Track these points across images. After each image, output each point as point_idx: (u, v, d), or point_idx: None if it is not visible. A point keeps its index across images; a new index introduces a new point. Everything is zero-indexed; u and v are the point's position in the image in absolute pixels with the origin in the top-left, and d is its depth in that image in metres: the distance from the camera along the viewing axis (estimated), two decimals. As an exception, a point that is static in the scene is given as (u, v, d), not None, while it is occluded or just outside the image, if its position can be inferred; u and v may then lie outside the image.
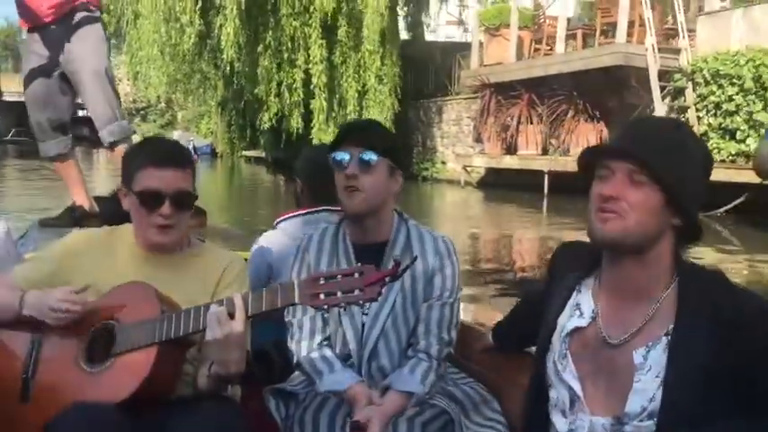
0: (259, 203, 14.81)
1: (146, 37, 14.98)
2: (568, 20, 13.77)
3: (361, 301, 1.38)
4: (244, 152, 24.17)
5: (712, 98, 10.99)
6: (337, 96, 15.66)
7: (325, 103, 15.47)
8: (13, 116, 39.79)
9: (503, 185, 14.50)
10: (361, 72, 15.38)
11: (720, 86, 10.85)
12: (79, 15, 3.27)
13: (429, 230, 1.83)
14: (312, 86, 14.93)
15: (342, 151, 1.69)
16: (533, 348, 1.50)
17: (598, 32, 12.41)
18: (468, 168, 15.71)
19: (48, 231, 3.02)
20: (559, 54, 13.02)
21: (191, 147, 30.71)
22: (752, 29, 10.82)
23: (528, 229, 10.92)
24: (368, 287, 1.35)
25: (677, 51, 11.61)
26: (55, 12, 3.26)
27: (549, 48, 13.50)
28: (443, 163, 17.35)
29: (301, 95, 15.22)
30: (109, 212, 2.03)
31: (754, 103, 10.34)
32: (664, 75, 11.66)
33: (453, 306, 1.78)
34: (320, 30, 14.95)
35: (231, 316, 1.44)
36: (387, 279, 1.38)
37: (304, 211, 2.16)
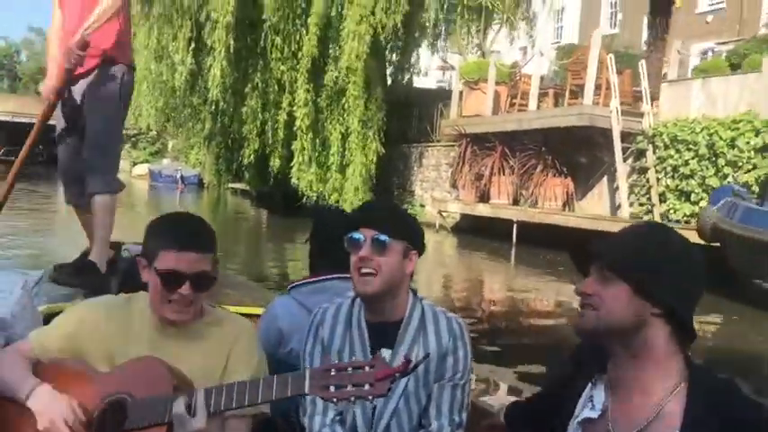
0: (240, 238, 15.25)
1: (138, 72, 15.51)
2: (542, 78, 14.46)
3: (370, 396, 1.39)
4: (230, 184, 24.63)
5: (670, 161, 11.63)
6: (321, 138, 16.18)
7: (308, 145, 15.99)
8: (4, 135, 40.15)
9: (475, 231, 15.02)
10: (345, 116, 15.93)
11: (678, 151, 11.49)
12: (104, 70, 3.27)
13: (443, 311, 1.84)
14: (295, 128, 15.45)
15: (357, 232, 1.71)
16: None
17: (567, 93, 13.09)
18: (444, 213, 16.22)
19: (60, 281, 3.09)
20: (532, 111, 13.67)
21: (178, 176, 31.30)
22: (709, 100, 11.52)
23: (497, 278, 11.32)
24: (378, 382, 1.36)
25: (641, 115, 12.27)
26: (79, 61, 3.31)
27: (523, 104, 14.16)
28: (422, 206, 17.85)
29: (283, 136, 15.73)
30: (123, 276, 1.98)
31: (707, 168, 10.97)
32: (628, 136, 12.30)
33: (465, 388, 1.79)
34: (307, 74, 15.54)
35: (190, 411, 1.47)
36: (397, 375, 1.39)
37: (315, 279, 2.17)
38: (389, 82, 19.17)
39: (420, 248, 1.78)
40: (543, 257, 12.21)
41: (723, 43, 19.00)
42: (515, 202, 14.46)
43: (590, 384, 1.37)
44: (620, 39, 23.24)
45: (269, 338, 2.11)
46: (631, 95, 12.96)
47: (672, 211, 11.45)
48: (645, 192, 12.10)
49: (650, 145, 12.03)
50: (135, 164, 40.60)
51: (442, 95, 19.25)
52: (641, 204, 12.15)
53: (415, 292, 1.82)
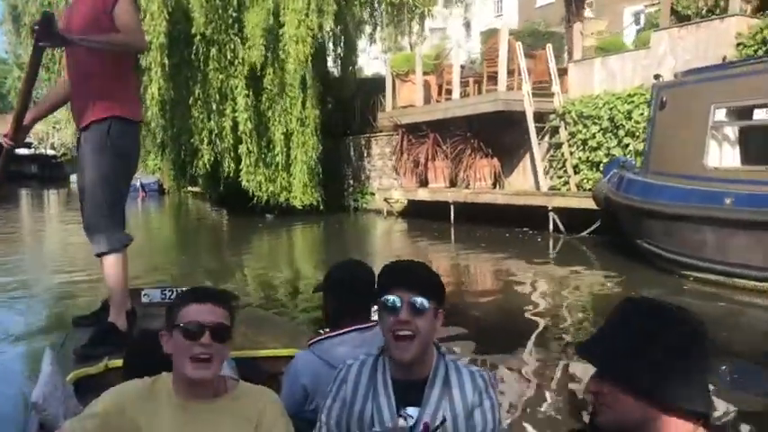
0: (204, 239, 15.99)
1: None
2: (463, 68, 15.38)
3: None
4: (189, 187, 25.24)
5: (580, 136, 12.68)
6: (265, 140, 16.93)
7: (255, 147, 16.74)
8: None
9: (420, 215, 16.00)
10: (285, 116, 16.70)
11: (585, 126, 12.54)
12: (95, 126, 3.27)
13: (466, 366, 1.85)
14: (239, 133, 16.20)
15: (392, 295, 1.71)
16: None
17: (485, 80, 14.03)
18: (390, 200, 17.16)
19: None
20: (455, 99, 14.62)
21: (138, 184, 31.70)
22: (609, 75, 12.56)
23: (441, 257, 12.16)
24: None
25: (552, 95, 13.28)
26: (77, 121, 3.39)
27: (450, 92, 15.09)
28: (372, 194, 18.77)
29: (231, 141, 16.48)
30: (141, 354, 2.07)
31: (610, 139, 12.04)
32: (543, 116, 13.33)
33: None
34: (246, 80, 16.26)
35: None
36: None
37: (335, 333, 2.20)
38: (337, 74, 19.86)
39: (443, 305, 1.79)
40: (478, 234, 13.25)
41: (652, 5, 19.90)
42: (453, 184, 15.44)
43: None
44: (555, 8, 23.97)
45: (294, 396, 2.17)
46: (548, 74, 13.90)
47: (585, 181, 12.53)
48: (561, 165, 13.16)
49: (562, 122, 13.06)
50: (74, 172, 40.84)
51: (383, 85, 20.05)
52: (559, 177, 13.21)
53: (438, 348, 1.83)
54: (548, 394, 4.51)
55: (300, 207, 16.97)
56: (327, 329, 2.29)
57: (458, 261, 11.12)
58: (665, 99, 8.34)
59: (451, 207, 14.59)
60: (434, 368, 1.78)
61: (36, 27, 2.89)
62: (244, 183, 16.57)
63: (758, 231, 6.88)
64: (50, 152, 41.16)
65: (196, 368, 1.66)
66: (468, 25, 35.05)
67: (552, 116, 13.26)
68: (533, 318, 6.53)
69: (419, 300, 1.69)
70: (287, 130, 16.70)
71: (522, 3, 32.27)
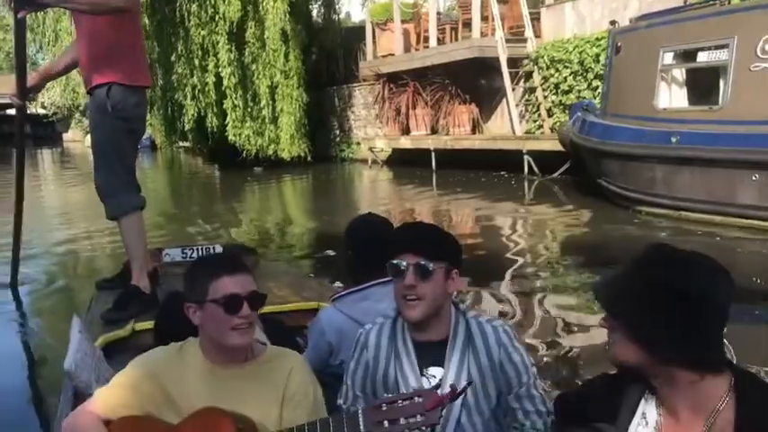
0: (199, 193, 16.29)
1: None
2: (439, 15, 15.62)
3: (423, 426, 1.44)
4: (180, 143, 25.62)
5: (552, 80, 13.07)
6: (250, 93, 17.27)
7: (240, 102, 17.12)
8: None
9: (404, 163, 16.48)
10: (269, 69, 17.00)
11: (557, 69, 12.91)
12: (97, 91, 3.33)
13: (488, 320, 1.84)
14: (224, 88, 16.54)
15: (399, 259, 1.72)
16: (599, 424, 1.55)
17: (460, 27, 14.32)
18: (374, 149, 17.61)
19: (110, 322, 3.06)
20: (432, 47, 14.92)
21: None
22: (579, 20, 12.87)
23: (423, 203, 12.62)
24: (428, 412, 1.41)
25: (525, 41, 13.60)
26: (85, 86, 3.47)
27: (427, 41, 15.37)
28: (357, 144, 19.17)
29: (215, 96, 16.84)
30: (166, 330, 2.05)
31: (581, 82, 12.43)
32: (517, 61, 13.68)
33: (536, 383, 1.81)
34: (228, 35, 16.51)
35: None
36: (446, 402, 1.43)
37: (357, 288, 2.22)
38: (321, 23, 19.99)
39: (459, 265, 1.79)
40: (458, 179, 13.76)
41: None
42: (434, 131, 15.86)
43: (642, 400, 1.37)
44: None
45: (319, 353, 2.20)
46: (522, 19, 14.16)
47: (558, 124, 12.97)
48: (535, 109, 13.59)
49: (535, 67, 13.43)
50: (87, 132, 41.03)
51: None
52: (534, 121, 13.66)
53: (457, 306, 1.83)
54: (528, 330, 4.78)
55: (288, 159, 17.44)
56: (340, 284, 2.49)
57: (439, 206, 11.63)
58: (619, 44, 8.75)
59: (432, 154, 15.06)
60: (454, 327, 1.78)
61: None
62: (230, 137, 17.00)
63: (700, 167, 7.42)
64: (41, 111, 41.21)
65: (237, 336, 1.67)
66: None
67: (526, 61, 13.61)
68: (511, 256, 7.03)
69: (424, 263, 1.70)
70: (271, 82, 17.03)
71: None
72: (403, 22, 16.19)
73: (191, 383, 1.70)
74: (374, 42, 17.15)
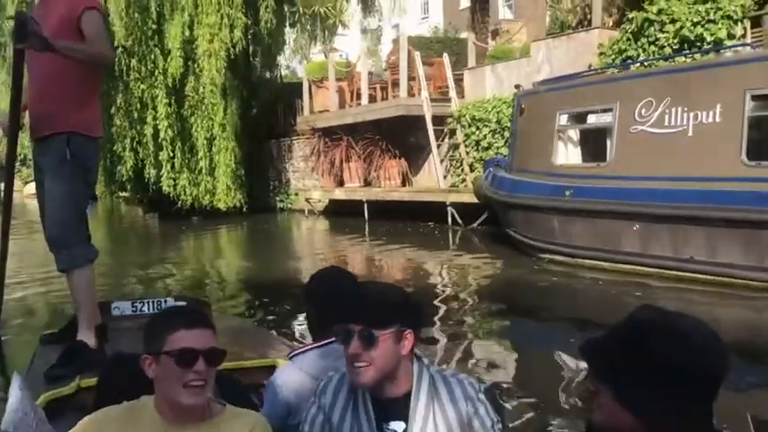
0: (138, 242, 16.54)
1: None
2: (371, 74, 16.49)
3: None
4: (119, 193, 25.62)
5: (473, 137, 13.93)
6: (188, 145, 17.66)
7: (179, 153, 17.46)
8: None
9: (339, 213, 17.02)
10: (207, 122, 17.48)
11: (478, 128, 13.79)
12: (54, 138, 3.19)
13: (452, 374, 1.82)
14: (160, 140, 16.91)
15: (345, 326, 1.69)
16: None
17: (390, 87, 15.17)
18: (310, 200, 18.12)
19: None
20: (364, 105, 15.72)
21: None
22: (498, 82, 13.85)
23: (356, 251, 13.12)
24: None
25: (449, 100, 14.51)
26: (33, 131, 3.31)
27: (360, 98, 16.17)
28: (295, 195, 19.67)
29: (153, 148, 17.17)
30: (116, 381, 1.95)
31: (499, 140, 13.31)
32: (443, 119, 14.54)
33: None
34: (167, 89, 16.95)
35: None
36: None
37: (316, 345, 2.13)
38: (259, 79, 20.61)
39: (414, 325, 1.74)
40: (389, 229, 14.34)
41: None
42: (367, 183, 16.51)
43: None
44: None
45: (277, 412, 2.09)
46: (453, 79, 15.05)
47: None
48: (459, 164, 14.39)
49: (458, 125, 14.29)
50: (26, 182, 40.32)
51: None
52: (458, 175, 14.44)
53: (420, 359, 1.79)
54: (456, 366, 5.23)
55: (224, 209, 17.77)
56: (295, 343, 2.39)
57: (372, 254, 12.14)
58: (523, 106, 9.59)
59: (365, 205, 15.65)
60: (417, 380, 1.74)
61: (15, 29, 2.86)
62: (165, 188, 17.28)
63: (590, 218, 8.16)
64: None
65: (190, 395, 1.60)
66: (397, 26, 36.26)
67: (450, 119, 14.48)
68: (437, 303, 7.41)
69: (369, 332, 1.65)
70: (210, 135, 17.47)
71: (446, 5, 33.58)
72: (338, 80, 16.99)
73: None
74: (311, 98, 17.86)
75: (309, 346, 2.16)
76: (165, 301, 3.73)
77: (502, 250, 10.38)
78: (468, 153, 14.16)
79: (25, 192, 38.44)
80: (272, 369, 2.62)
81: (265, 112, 20.77)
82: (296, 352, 2.18)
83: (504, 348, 5.93)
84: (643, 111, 7.78)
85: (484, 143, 13.65)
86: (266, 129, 20.58)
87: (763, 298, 6.74)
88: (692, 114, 7.27)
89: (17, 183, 39.06)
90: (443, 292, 8.28)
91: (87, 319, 3.22)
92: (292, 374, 2.13)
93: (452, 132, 14.53)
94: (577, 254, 8.45)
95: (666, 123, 7.54)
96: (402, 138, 15.44)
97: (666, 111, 7.52)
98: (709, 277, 7.13)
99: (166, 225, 18.78)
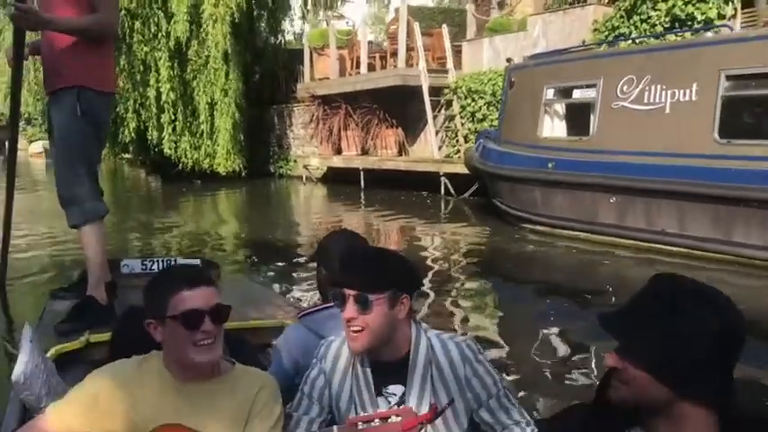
0: (140, 202, 16.78)
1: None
2: (371, 44, 16.62)
3: None
4: (122, 154, 25.92)
5: (469, 109, 14.14)
6: (189, 109, 17.93)
7: (180, 116, 17.74)
8: None
9: (336, 181, 17.32)
10: (209, 87, 17.71)
11: (474, 99, 13.99)
12: (64, 93, 3.20)
13: (450, 337, 1.81)
14: (162, 102, 17.15)
15: (340, 291, 1.69)
16: None
17: (388, 56, 15.32)
18: (309, 167, 18.40)
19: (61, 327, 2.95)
20: (363, 74, 15.89)
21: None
22: (495, 54, 14.00)
23: (353, 218, 13.46)
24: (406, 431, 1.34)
25: (447, 71, 14.68)
26: (46, 85, 3.34)
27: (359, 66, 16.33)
28: (294, 161, 19.93)
29: (155, 111, 17.42)
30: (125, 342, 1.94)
31: (493, 112, 13.50)
32: (440, 90, 14.73)
33: (507, 395, 1.78)
34: (170, 52, 17.16)
35: None
36: (425, 423, 1.38)
37: (325, 306, 2.14)
38: (264, 45, 20.74)
39: (410, 289, 1.75)
40: (383, 197, 14.65)
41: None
42: (364, 152, 16.75)
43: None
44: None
45: (285, 371, 2.11)
46: (452, 50, 15.16)
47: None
48: (454, 135, 14.63)
49: (455, 96, 14.49)
50: (31, 141, 40.64)
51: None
52: (453, 146, 14.68)
53: (418, 323, 1.79)
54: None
55: (224, 173, 18.08)
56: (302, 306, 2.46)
57: (365, 221, 12.44)
58: (513, 79, 9.81)
59: (361, 173, 15.93)
60: (414, 344, 1.75)
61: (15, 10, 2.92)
62: (166, 150, 17.58)
63: (570, 190, 8.45)
64: (-17, 118, 40.61)
65: (200, 353, 1.61)
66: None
67: (446, 90, 14.67)
68: (426, 265, 7.72)
69: (363, 296, 1.66)
70: (211, 99, 17.74)
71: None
72: (338, 48, 17.12)
73: (152, 400, 1.63)
74: (312, 66, 18.02)
75: (318, 307, 2.18)
76: (175, 261, 3.79)
77: (488, 220, 10.69)
78: (463, 124, 14.38)
79: (30, 150, 38.76)
80: (279, 329, 2.62)
81: (268, 77, 20.93)
82: (305, 312, 2.22)
83: (481, 310, 6.29)
84: (625, 87, 8.01)
85: (479, 115, 13.86)
86: (268, 95, 20.75)
87: (729, 271, 7.06)
88: (669, 92, 7.51)
89: (22, 141, 39.52)
90: (429, 258, 8.62)
91: (97, 276, 3.24)
92: (301, 334, 2.16)
93: (449, 103, 14.73)
94: (557, 224, 8.76)
95: (646, 100, 7.77)
96: (399, 108, 15.64)
97: (646, 88, 7.76)
98: (679, 249, 7.44)
99: (168, 187, 19.12)
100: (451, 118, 14.65)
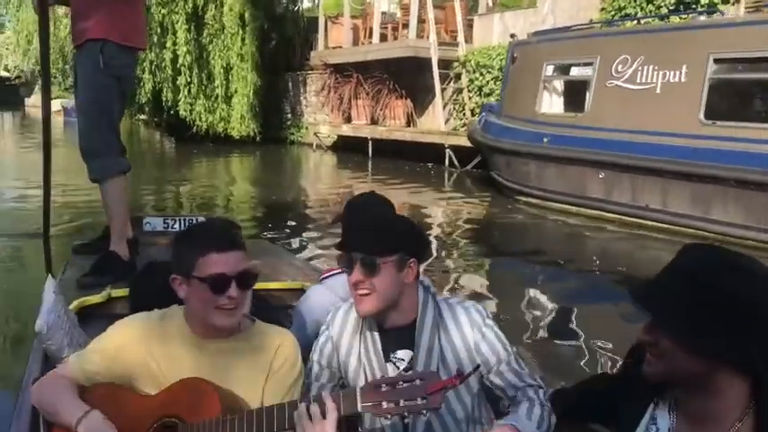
0: (155, 161, 17.30)
1: (29, 22, 17.20)
2: (384, 14, 16.82)
3: (424, 410, 1.36)
4: (138, 115, 26.36)
5: (477, 83, 14.38)
6: (205, 72, 18.27)
7: (195, 79, 18.11)
8: None
9: (346, 149, 17.66)
10: (225, 51, 18.04)
11: (482, 74, 14.22)
12: (89, 45, 3.20)
13: (459, 302, 1.80)
14: (179, 65, 17.51)
15: (347, 254, 1.69)
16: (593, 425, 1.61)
17: (400, 27, 15.54)
18: (319, 134, 18.73)
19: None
20: (375, 44, 16.13)
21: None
22: (504, 29, 14.16)
23: (359, 186, 13.80)
24: (431, 395, 1.33)
25: (457, 45, 14.89)
26: (74, 38, 3.33)
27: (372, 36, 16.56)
28: (306, 128, 20.26)
29: (171, 73, 17.80)
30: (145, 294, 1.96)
31: (500, 87, 13.73)
32: (450, 63, 14.95)
33: (517, 358, 1.78)
34: (187, 15, 17.48)
35: (323, 415, 1.40)
36: (450, 387, 1.36)
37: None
38: (282, 12, 20.95)
39: (419, 254, 1.74)
40: (390, 167, 14.99)
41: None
42: (374, 121, 17.03)
43: (652, 405, 1.32)
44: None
45: (305, 331, 2.13)
46: (464, 23, 15.34)
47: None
48: (461, 108, 14.89)
49: (464, 70, 14.72)
50: (52, 99, 41.12)
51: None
52: (459, 119, 14.96)
53: (427, 288, 1.79)
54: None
55: (238, 137, 18.47)
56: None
57: (370, 189, 12.77)
58: (515, 55, 10.06)
59: (369, 142, 16.26)
60: (422, 309, 1.75)
61: None
62: (181, 112, 17.98)
63: (562, 165, 8.77)
64: (4, 74, 41.20)
65: (222, 316, 1.60)
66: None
67: (456, 64, 14.89)
68: (426, 232, 8.22)
69: (371, 259, 1.66)
70: (227, 64, 18.07)
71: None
72: (352, 17, 17.34)
73: (173, 354, 1.63)
74: (326, 34, 18.25)
75: (341, 269, 2.11)
76: (197, 220, 3.73)
77: (487, 192, 11.05)
78: (470, 98, 14.63)
79: (51, 108, 39.23)
80: (300, 292, 2.61)
81: (283, 44, 21.15)
82: (327, 274, 2.24)
83: (472, 273, 6.69)
84: (619, 67, 8.27)
85: (486, 89, 14.10)
86: (284, 61, 20.99)
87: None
88: (661, 73, 7.77)
89: (38, 99, 40.00)
90: (427, 225, 9.01)
91: (119, 232, 3.24)
92: (323, 295, 2.18)
93: (458, 77, 14.96)
94: (549, 197, 9.10)
95: (638, 80, 8.04)
96: (410, 79, 15.89)
97: (640, 68, 8.01)
98: (662, 225, 7.77)
99: (182, 149, 19.53)
100: (460, 91, 14.89)
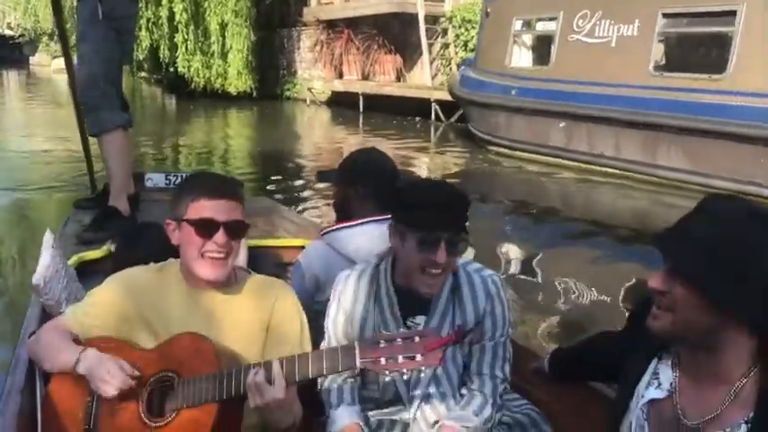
0: (157, 116, 17.88)
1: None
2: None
3: (422, 367, 1.37)
4: (139, 72, 26.79)
5: (462, 38, 14.76)
6: (201, 29, 18.67)
7: (192, 36, 18.53)
8: None
9: (339, 104, 18.12)
10: (220, 8, 18.39)
11: (467, 29, 14.59)
12: None
13: (477, 269, 1.78)
14: (176, 22, 17.92)
15: (433, 233, 1.61)
16: (594, 383, 1.62)
17: (389, -17, 15.85)
18: (312, 90, 19.17)
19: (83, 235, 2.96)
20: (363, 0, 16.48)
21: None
22: (489, -16, 14.49)
23: (350, 141, 14.40)
24: (430, 352, 1.33)
25: (444, 0, 15.23)
26: None
27: (363, -9, 16.87)
28: (301, 84, 20.65)
29: (168, 30, 18.22)
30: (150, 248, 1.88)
31: (484, 42, 14.13)
32: (437, 18, 15.31)
33: (506, 344, 1.77)
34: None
35: (269, 382, 1.41)
36: (449, 344, 1.39)
37: (353, 224, 2.07)
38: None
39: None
40: (380, 121, 15.50)
41: None
42: (365, 77, 17.46)
43: (655, 359, 1.30)
44: None
45: (304, 286, 2.08)
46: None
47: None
48: (448, 63, 15.30)
49: (450, 25, 15.08)
50: (54, 57, 41.39)
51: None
52: (447, 74, 15.36)
53: None
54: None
55: (235, 93, 18.96)
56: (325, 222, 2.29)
57: (360, 142, 13.30)
58: (489, 10, 10.48)
59: (360, 97, 16.73)
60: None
61: None
62: (180, 69, 18.45)
63: (528, 116, 9.29)
64: (8, 32, 41.42)
65: (208, 266, 1.58)
66: None
67: (442, 19, 15.25)
68: None
69: (458, 243, 1.63)
70: (222, 20, 18.44)
71: None
72: (344, -28, 17.60)
73: (170, 306, 1.63)
74: (319, -11, 18.55)
75: (342, 225, 2.11)
76: None
77: (466, 143, 11.59)
78: (456, 53, 15.03)
79: (53, 66, 39.53)
80: (301, 249, 2.56)
81: (278, 0, 21.43)
82: (328, 229, 2.15)
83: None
84: (580, 21, 8.72)
85: (471, 44, 14.42)
86: (278, 18, 21.30)
87: (657, 192, 7.95)
88: (616, 27, 8.23)
89: (46, 57, 39.99)
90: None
91: (119, 187, 3.21)
92: (322, 251, 2.13)
93: (444, 32, 15.33)
94: (516, 147, 9.66)
95: (597, 34, 8.50)
96: (399, 35, 16.26)
97: (598, 23, 8.47)
98: (615, 171, 8.34)
99: (182, 105, 20.06)
100: (446, 46, 15.28)
